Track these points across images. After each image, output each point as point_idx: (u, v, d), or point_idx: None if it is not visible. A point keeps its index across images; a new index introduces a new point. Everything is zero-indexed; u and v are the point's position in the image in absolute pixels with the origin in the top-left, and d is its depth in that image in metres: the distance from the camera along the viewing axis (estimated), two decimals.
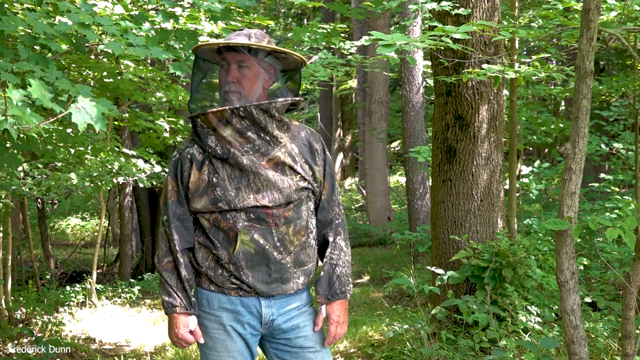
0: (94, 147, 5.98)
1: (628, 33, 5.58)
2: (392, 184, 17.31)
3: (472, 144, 4.59)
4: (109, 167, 6.15)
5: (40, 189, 5.88)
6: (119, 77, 4.68)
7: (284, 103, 2.20)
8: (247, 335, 2.26)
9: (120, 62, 4.92)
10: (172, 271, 2.23)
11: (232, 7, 3.70)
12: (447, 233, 4.67)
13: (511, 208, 5.16)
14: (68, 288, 7.49)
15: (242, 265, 2.19)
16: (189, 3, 3.80)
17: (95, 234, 10.93)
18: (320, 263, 2.37)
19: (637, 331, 3.43)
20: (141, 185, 6.75)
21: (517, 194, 6.19)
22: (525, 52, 10.65)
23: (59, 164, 6.44)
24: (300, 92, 2.35)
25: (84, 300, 7.22)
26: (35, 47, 2.99)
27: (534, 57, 5.92)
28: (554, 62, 11.04)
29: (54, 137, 4.56)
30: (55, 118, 2.20)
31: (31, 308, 6.03)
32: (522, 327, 4.04)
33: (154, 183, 7.30)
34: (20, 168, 5.57)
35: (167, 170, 2.31)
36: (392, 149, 18.99)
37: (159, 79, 5.49)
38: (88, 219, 15.42)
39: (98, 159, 6.09)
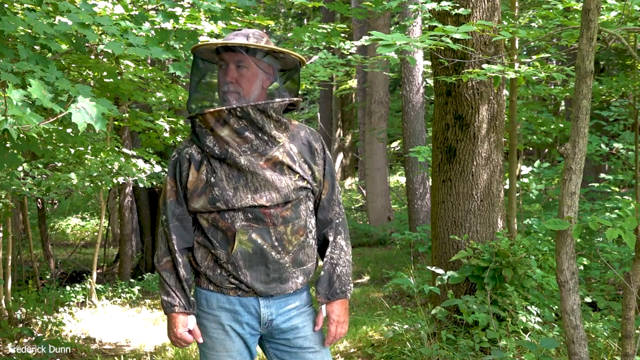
0: (94, 147, 5.97)
1: (628, 33, 5.57)
2: (392, 184, 17.31)
3: (472, 144, 4.59)
4: (109, 167, 6.15)
5: (40, 189, 5.88)
6: (119, 77, 4.68)
7: (281, 103, 2.19)
8: (246, 335, 2.26)
9: (120, 62, 4.92)
10: (171, 271, 2.24)
11: (232, 7, 3.70)
12: (447, 233, 4.67)
13: (511, 208, 5.16)
14: (68, 288, 7.48)
15: (241, 264, 2.19)
16: (189, 3, 3.80)
17: (95, 234, 10.93)
18: (320, 262, 2.37)
19: (637, 331, 3.43)
20: (141, 185, 6.74)
21: (517, 194, 6.19)
22: (525, 52, 10.65)
23: (59, 164, 6.44)
24: (300, 92, 2.35)
25: (84, 300, 7.22)
26: (35, 47, 3.00)
27: (534, 57, 5.92)
28: (554, 62, 11.04)
29: (54, 137, 4.55)
30: (55, 118, 2.20)
31: (31, 308, 6.03)
32: (522, 327, 4.03)
33: (154, 183, 7.30)
34: (20, 168, 5.57)
35: (167, 170, 2.30)
36: (392, 149, 18.99)
37: (159, 79, 5.49)
38: (88, 219, 15.41)
39: (98, 159, 6.08)
